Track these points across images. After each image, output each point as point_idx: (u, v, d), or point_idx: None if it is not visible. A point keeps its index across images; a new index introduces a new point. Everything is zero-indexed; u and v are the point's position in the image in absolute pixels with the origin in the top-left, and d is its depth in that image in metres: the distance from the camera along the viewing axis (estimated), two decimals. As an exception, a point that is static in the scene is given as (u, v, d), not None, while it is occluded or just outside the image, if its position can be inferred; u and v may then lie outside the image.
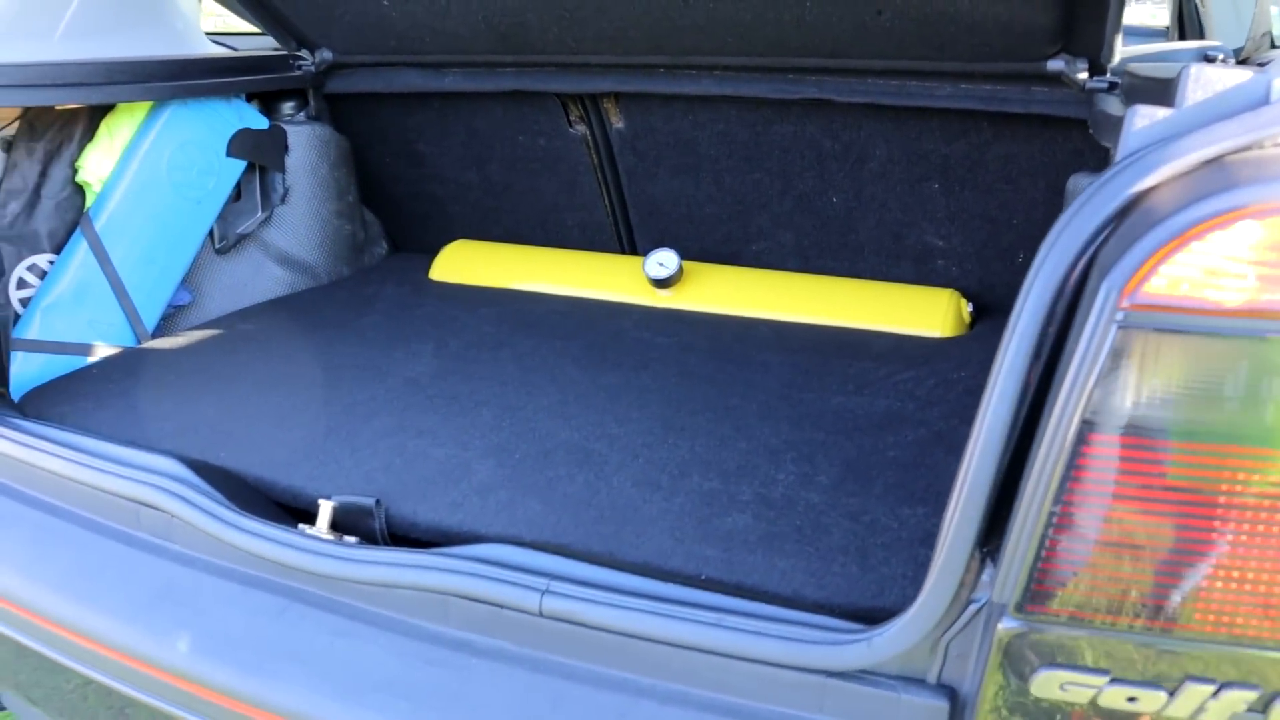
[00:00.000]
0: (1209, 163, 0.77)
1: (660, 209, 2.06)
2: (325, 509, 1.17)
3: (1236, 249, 0.70)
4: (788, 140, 1.82)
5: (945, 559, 0.84)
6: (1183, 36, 3.08)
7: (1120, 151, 0.83)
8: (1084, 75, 1.46)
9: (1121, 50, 1.54)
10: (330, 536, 1.14)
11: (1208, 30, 2.71)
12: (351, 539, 1.15)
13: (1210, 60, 1.37)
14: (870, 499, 1.19)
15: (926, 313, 1.78)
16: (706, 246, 2.08)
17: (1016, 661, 0.81)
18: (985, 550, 0.85)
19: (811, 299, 1.89)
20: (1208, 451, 0.72)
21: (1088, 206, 0.80)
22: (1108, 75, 1.44)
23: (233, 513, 1.16)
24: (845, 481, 1.23)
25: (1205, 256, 0.71)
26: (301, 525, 1.16)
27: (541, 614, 0.99)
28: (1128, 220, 0.78)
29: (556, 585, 0.99)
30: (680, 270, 1.94)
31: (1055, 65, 1.47)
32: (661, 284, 1.95)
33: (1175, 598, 0.76)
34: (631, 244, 2.18)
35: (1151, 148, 0.80)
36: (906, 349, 1.68)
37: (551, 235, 2.24)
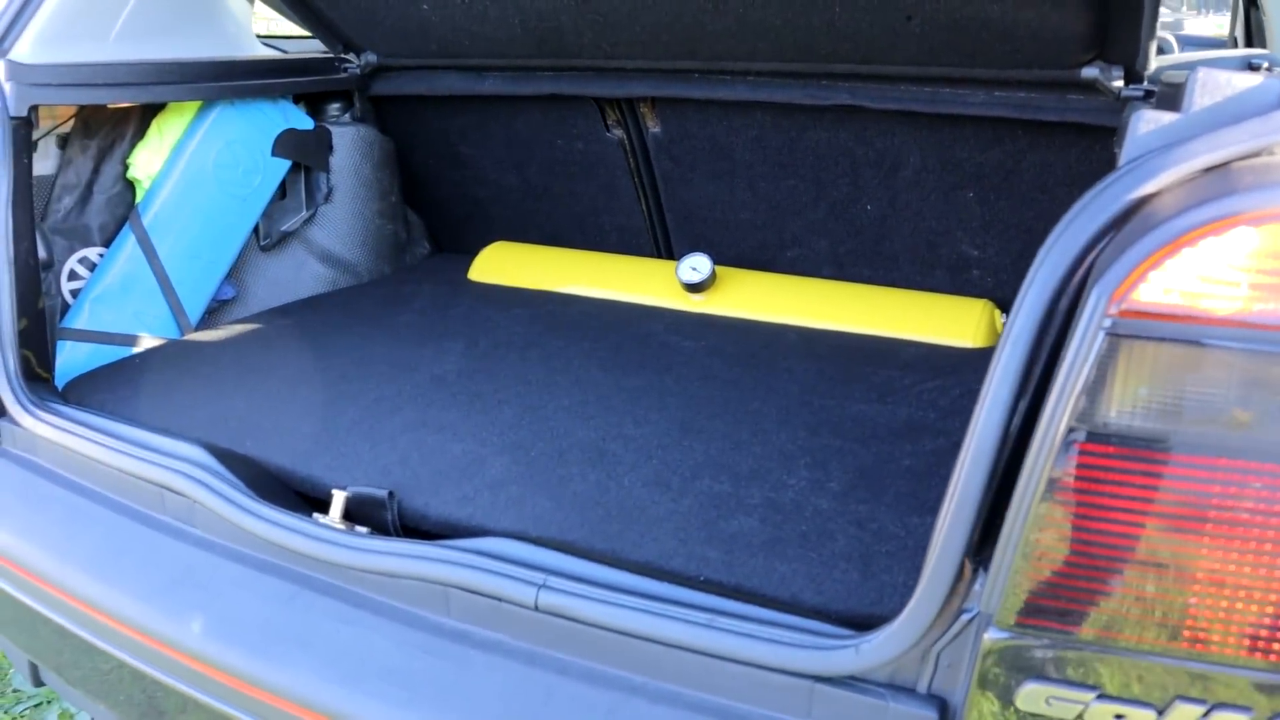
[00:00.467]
0: (1212, 169, 0.76)
1: (696, 214, 2.06)
2: (338, 499, 1.20)
3: (1231, 257, 0.69)
4: (821, 147, 1.81)
5: (934, 568, 0.84)
6: (1249, 46, 3.00)
7: (1123, 157, 0.81)
8: (1119, 83, 1.43)
9: (1173, 58, 1.51)
10: (342, 526, 1.16)
11: (1270, 40, 2.63)
12: (363, 529, 1.18)
13: (1254, 69, 1.33)
14: (880, 506, 1.18)
15: (958, 322, 1.76)
16: (741, 252, 2.08)
17: (1002, 674, 0.80)
18: (978, 560, 0.84)
19: (842, 306, 1.87)
20: (1197, 465, 0.70)
21: (1085, 212, 0.78)
22: (1144, 83, 1.41)
23: (250, 499, 1.19)
24: (856, 489, 1.22)
25: (1198, 264, 0.69)
26: (316, 514, 1.19)
27: (538, 608, 1.00)
28: (1126, 226, 0.76)
29: (554, 581, 1.00)
30: (713, 275, 1.94)
31: (1090, 73, 1.45)
32: (694, 289, 1.95)
33: (1163, 614, 0.74)
34: (668, 248, 2.19)
35: (1153, 153, 0.78)
36: (935, 358, 1.65)
37: (590, 238, 2.26)
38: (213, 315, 2.01)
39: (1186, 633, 0.74)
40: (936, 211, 1.80)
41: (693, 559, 1.08)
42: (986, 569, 0.83)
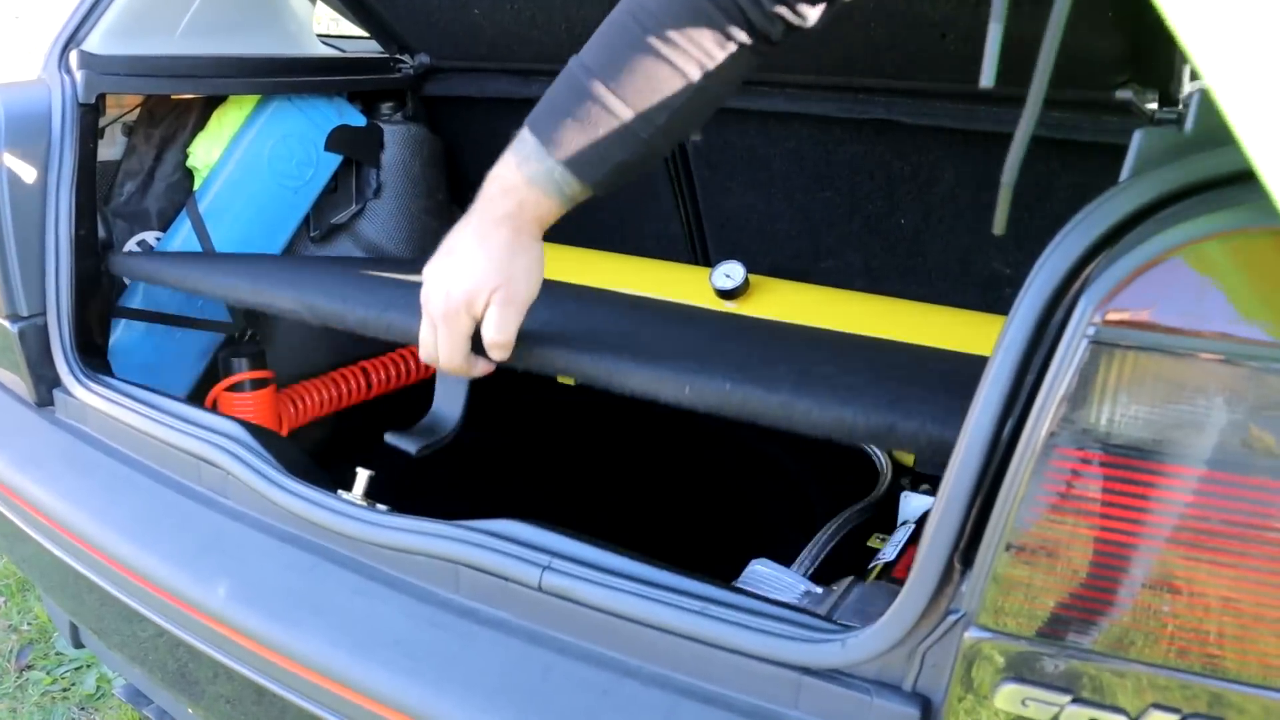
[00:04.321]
0: (1212, 184, 0.77)
1: (733, 223, 2.09)
2: (361, 477, 1.25)
3: (1221, 270, 0.70)
4: (857, 160, 1.83)
5: (921, 566, 0.85)
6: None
7: (1124, 172, 0.83)
8: (1153, 105, 1.43)
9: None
10: (363, 503, 1.21)
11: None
12: (383, 507, 1.22)
13: None
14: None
15: (986, 340, 1.76)
16: (777, 262, 2.10)
17: (980, 672, 0.82)
18: (966, 561, 0.86)
19: (873, 319, 1.88)
20: (1177, 474, 0.72)
21: (1082, 225, 0.80)
22: (1178, 106, 1.41)
23: (278, 473, 1.24)
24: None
25: (1186, 275, 0.71)
26: (340, 490, 1.24)
27: (541, 589, 1.03)
28: (1123, 240, 0.78)
29: (558, 563, 1.04)
30: (746, 283, 1.96)
31: (1124, 95, 1.45)
32: (727, 295, 1.98)
33: (1138, 621, 0.75)
34: (705, 256, 2.22)
35: (1153, 169, 0.80)
36: (960, 373, 1.66)
37: (629, 244, 2.30)
38: (261, 301, 2.08)
39: (1163, 641, 0.75)
40: (970, 228, 1.80)
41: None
42: (968, 567, 0.85)
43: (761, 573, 1.20)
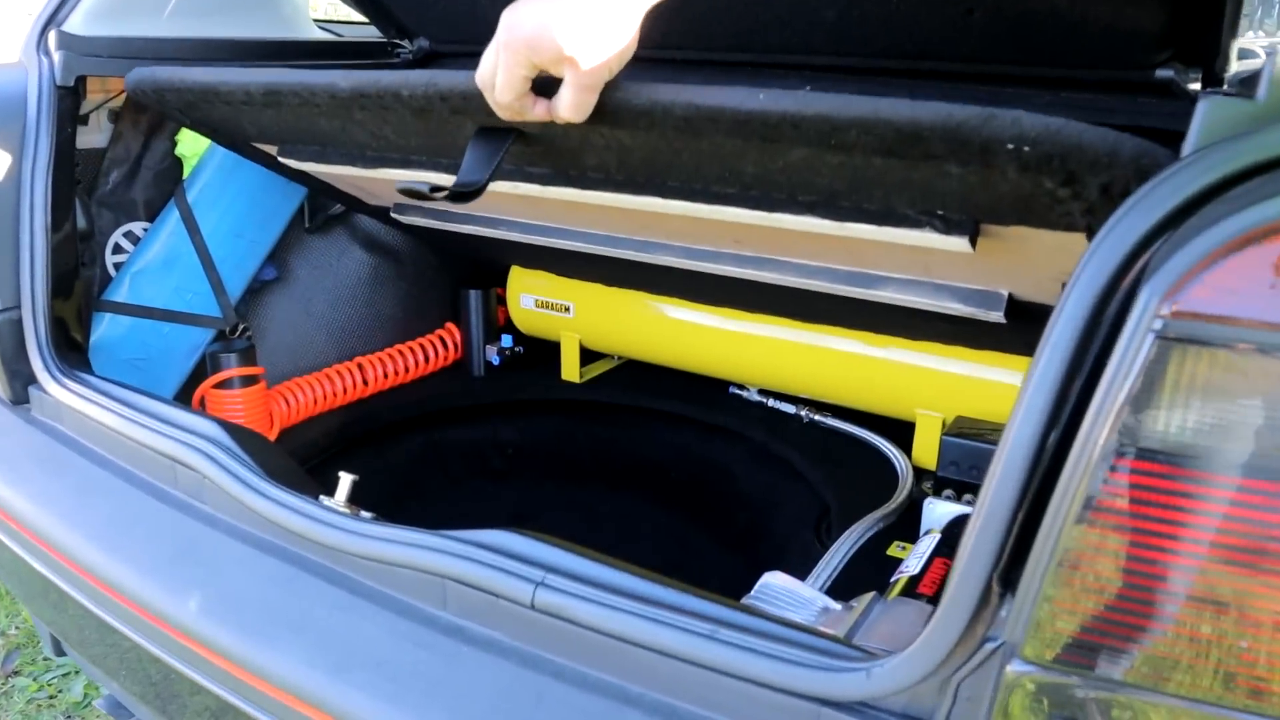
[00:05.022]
0: (1288, 160, 0.68)
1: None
2: (345, 482, 1.16)
3: (1303, 256, 0.61)
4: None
5: (955, 589, 0.76)
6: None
7: (1186, 147, 0.73)
8: (1197, 86, 1.34)
9: (1258, 64, 1.41)
10: (346, 510, 1.13)
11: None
12: (367, 514, 1.14)
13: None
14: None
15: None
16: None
17: (1023, 709, 0.73)
18: (1006, 584, 0.77)
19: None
20: (1255, 489, 0.62)
21: (1139, 207, 0.71)
22: (1224, 87, 1.31)
23: (256, 477, 1.16)
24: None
25: (1264, 263, 0.61)
26: (322, 496, 1.16)
27: (534, 607, 0.94)
28: (1187, 223, 0.69)
29: (552, 579, 0.95)
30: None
31: (1164, 74, 1.35)
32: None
33: (1214, 657, 0.66)
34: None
35: (1221, 144, 0.70)
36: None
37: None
38: (254, 296, 2.01)
39: (1242, 681, 0.66)
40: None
41: None
42: (1015, 594, 0.76)
43: (775, 587, 1.11)
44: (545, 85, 0.96)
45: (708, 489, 2.17)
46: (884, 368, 1.82)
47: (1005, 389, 1.69)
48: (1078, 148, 0.85)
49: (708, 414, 2.11)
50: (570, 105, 0.94)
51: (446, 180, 1.25)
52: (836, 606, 1.09)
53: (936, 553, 1.22)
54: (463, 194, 1.08)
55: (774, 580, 1.12)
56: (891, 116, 0.91)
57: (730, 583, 2.02)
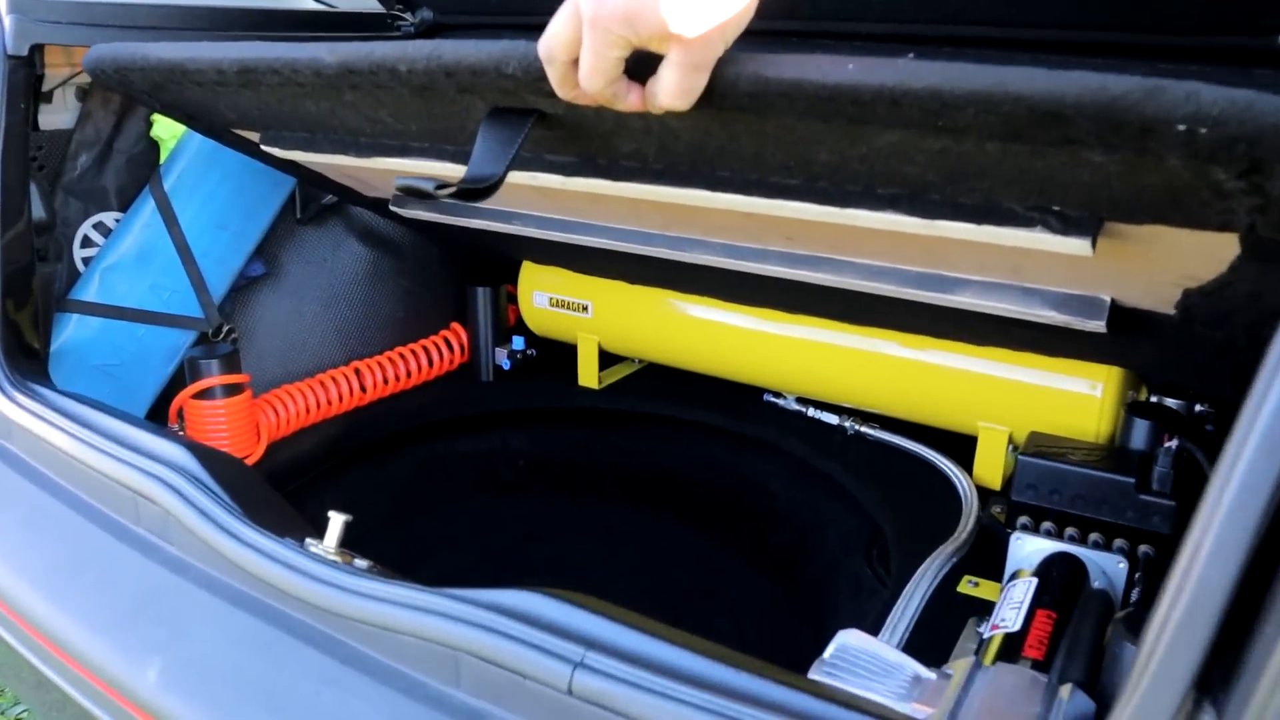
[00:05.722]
0: None
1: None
2: (336, 523, 0.97)
3: None
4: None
5: (1141, 702, 0.57)
6: None
7: None
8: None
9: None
10: (336, 557, 0.94)
11: None
12: (363, 562, 0.95)
13: None
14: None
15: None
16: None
17: None
18: (1207, 694, 0.58)
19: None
20: None
21: None
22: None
23: (229, 515, 0.97)
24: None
25: None
26: (309, 540, 0.97)
27: (571, 693, 0.75)
28: None
29: (594, 658, 0.76)
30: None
31: (1292, 39, 1.16)
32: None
33: None
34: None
35: None
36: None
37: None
38: (240, 294, 1.82)
39: None
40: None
41: None
42: (1220, 709, 0.57)
43: (855, 649, 0.92)
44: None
45: (740, 507, 1.98)
46: (943, 375, 1.63)
47: (1082, 400, 1.50)
48: (1274, 130, 0.66)
49: (740, 424, 1.92)
50: (675, 89, 0.75)
51: (454, 172, 1.06)
52: (930, 675, 0.90)
53: (1036, 603, 1.03)
54: (473, 191, 0.89)
55: (853, 641, 0.93)
56: (1026, 91, 0.72)
57: (768, 608, 1.84)
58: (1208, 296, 1.03)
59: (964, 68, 0.75)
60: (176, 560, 1.02)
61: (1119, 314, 1.19)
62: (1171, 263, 0.99)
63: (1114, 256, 1.00)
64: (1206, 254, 0.92)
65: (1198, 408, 1.49)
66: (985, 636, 1.03)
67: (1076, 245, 0.92)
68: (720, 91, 0.78)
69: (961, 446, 1.67)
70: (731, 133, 0.90)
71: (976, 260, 1.15)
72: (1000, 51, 1.37)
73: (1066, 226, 0.91)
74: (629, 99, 0.78)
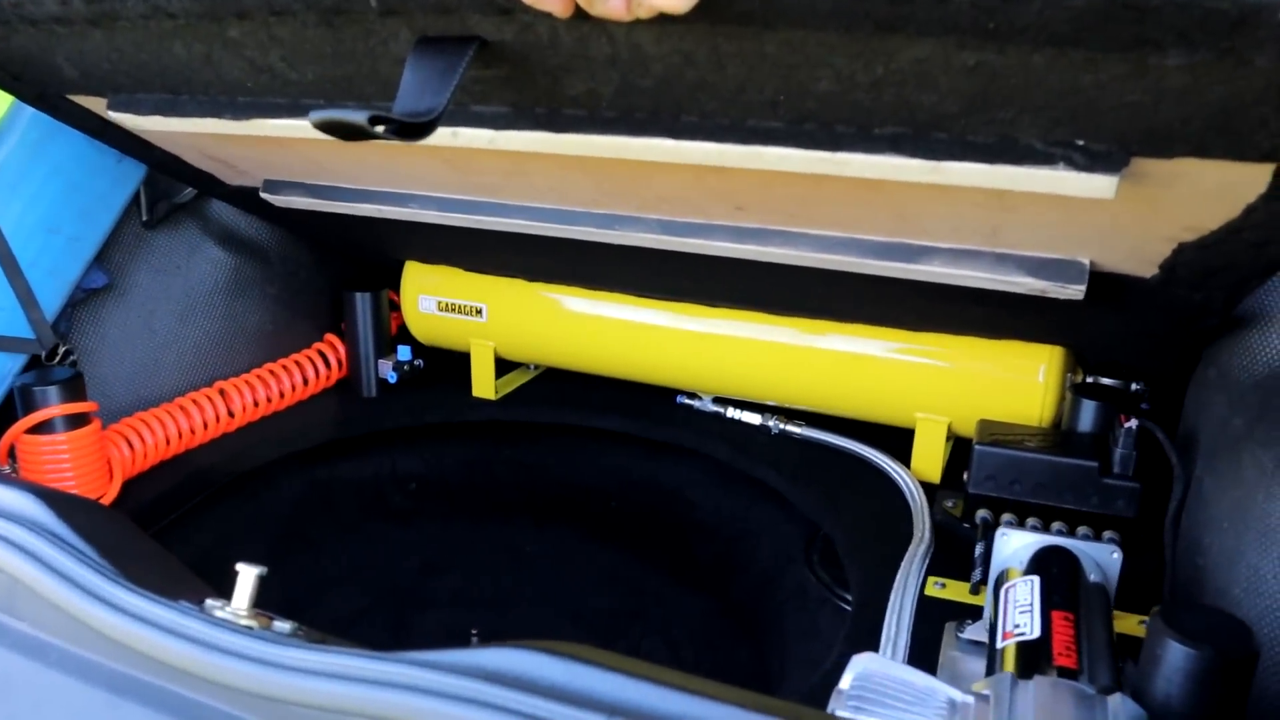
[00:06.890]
0: None
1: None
2: (247, 577, 0.77)
3: None
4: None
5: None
6: None
7: None
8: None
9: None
10: (250, 621, 0.74)
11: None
12: (285, 625, 0.76)
13: None
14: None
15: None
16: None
17: None
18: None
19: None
20: None
21: None
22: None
23: (101, 577, 0.76)
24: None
25: None
26: (209, 601, 0.77)
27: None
28: None
29: (610, 728, 0.60)
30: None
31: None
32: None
33: None
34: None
35: None
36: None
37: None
38: (77, 308, 1.56)
39: None
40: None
41: None
42: None
43: (878, 675, 0.80)
44: None
45: (660, 519, 1.85)
46: (875, 366, 1.54)
47: (1025, 385, 1.44)
48: None
49: (653, 429, 1.79)
50: None
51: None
52: (965, 698, 0.79)
53: (1048, 604, 0.94)
54: (414, 127, 0.72)
55: (873, 666, 0.81)
56: None
57: (700, 626, 1.71)
58: (1204, 250, 0.96)
59: None
60: (30, 641, 0.80)
61: (1093, 281, 1.13)
62: (1179, 209, 0.91)
63: (1117, 205, 0.92)
64: (1223, 195, 0.85)
65: (1134, 386, 1.45)
66: (999, 646, 0.93)
67: (1100, 184, 0.83)
68: None
69: (892, 439, 1.60)
70: (718, 57, 0.77)
71: (953, 221, 1.05)
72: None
73: (1092, 162, 0.82)
74: (611, 2, 0.65)
